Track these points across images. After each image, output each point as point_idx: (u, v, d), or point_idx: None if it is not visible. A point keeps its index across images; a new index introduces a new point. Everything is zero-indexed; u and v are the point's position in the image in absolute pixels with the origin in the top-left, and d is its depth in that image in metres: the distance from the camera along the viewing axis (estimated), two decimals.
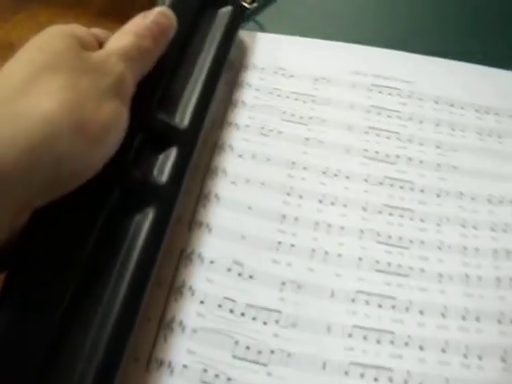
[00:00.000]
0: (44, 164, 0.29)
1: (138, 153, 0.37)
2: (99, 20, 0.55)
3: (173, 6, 0.41)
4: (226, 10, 0.48)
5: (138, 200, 0.36)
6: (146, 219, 0.35)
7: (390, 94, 0.49)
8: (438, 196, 0.44)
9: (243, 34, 0.51)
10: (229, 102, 0.47)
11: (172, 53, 0.41)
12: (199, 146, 0.41)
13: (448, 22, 0.58)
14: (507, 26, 0.58)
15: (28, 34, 0.33)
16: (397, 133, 0.47)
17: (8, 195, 0.28)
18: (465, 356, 0.37)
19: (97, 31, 0.37)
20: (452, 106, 0.49)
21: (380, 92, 0.49)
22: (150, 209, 0.36)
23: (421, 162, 0.45)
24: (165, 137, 0.39)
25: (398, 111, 0.48)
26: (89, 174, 0.32)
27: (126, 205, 0.35)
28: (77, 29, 0.35)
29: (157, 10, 0.39)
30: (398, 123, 0.48)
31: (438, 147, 0.46)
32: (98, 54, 0.34)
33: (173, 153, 0.38)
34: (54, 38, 0.33)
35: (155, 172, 0.38)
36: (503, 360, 0.37)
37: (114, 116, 0.33)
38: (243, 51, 0.51)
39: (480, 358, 0.37)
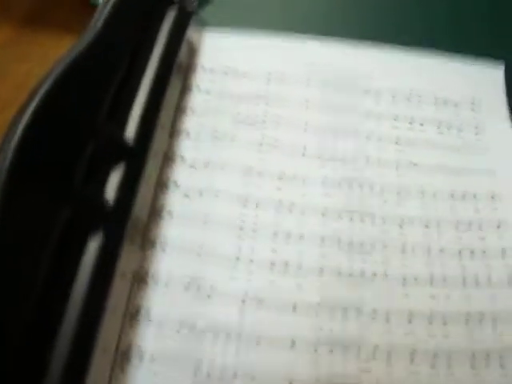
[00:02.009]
0: None
1: (88, 167, 0.36)
2: (25, 26, 0.53)
3: (117, 11, 0.40)
4: (173, 11, 0.47)
5: (88, 220, 0.35)
6: (99, 239, 0.34)
7: (345, 90, 0.49)
8: (398, 194, 0.43)
9: (190, 34, 0.50)
10: (178, 108, 0.46)
11: (120, 60, 0.40)
12: (149, 159, 0.40)
13: (404, 13, 0.57)
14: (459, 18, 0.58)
15: None
16: (354, 130, 0.46)
17: None
18: (432, 364, 0.37)
19: None
20: (409, 99, 0.49)
21: (336, 88, 0.49)
22: (101, 229, 0.35)
23: (379, 159, 0.45)
24: (115, 150, 0.38)
25: (354, 106, 0.48)
26: None
27: (77, 224, 0.34)
28: None
29: None
30: (355, 120, 0.47)
31: (396, 143, 0.46)
32: None
33: (123, 167, 0.37)
34: None
35: (106, 189, 0.37)
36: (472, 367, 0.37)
37: None
38: (191, 52, 0.50)
39: (449, 363, 0.37)
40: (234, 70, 0.49)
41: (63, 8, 0.53)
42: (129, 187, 0.37)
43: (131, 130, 0.39)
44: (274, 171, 0.44)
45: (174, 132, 0.45)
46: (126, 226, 0.36)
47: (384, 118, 0.48)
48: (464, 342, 0.38)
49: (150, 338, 0.36)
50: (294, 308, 0.38)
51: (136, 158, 0.39)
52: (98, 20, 0.40)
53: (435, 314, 0.38)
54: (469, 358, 0.37)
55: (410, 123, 0.47)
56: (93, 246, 0.34)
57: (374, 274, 0.40)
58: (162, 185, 0.42)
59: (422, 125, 0.48)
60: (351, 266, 0.40)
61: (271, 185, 0.43)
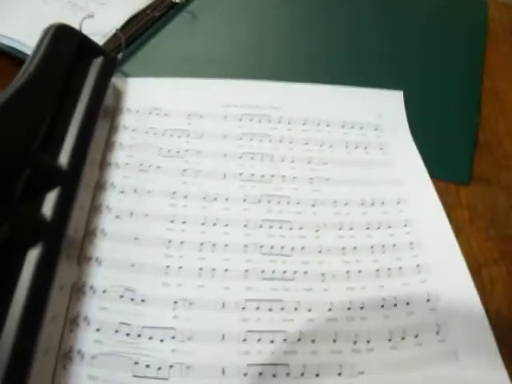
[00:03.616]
0: None
1: (25, 191, 0.40)
2: None
3: (47, 55, 0.47)
4: (99, 60, 0.53)
5: (27, 236, 0.39)
6: (36, 254, 0.38)
7: (260, 121, 0.55)
8: (314, 206, 0.49)
9: (115, 80, 0.56)
10: (107, 144, 0.51)
11: (51, 97, 0.45)
12: (81, 186, 0.44)
13: (307, 51, 0.65)
14: (359, 53, 0.66)
15: None
16: (270, 154, 0.52)
17: None
18: (354, 342, 0.41)
19: None
20: (318, 124, 0.55)
21: (251, 120, 0.55)
22: (39, 244, 0.38)
23: (294, 178, 0.51)
24: (49, 176, 0.43)
25: (269, 135, 0.54)
26: None
27: (15, 240, 0.38)
28: None
29: None
30: (270, 146, 0.53)
31: (309, 163, 0.52)
32: None
33: (58, 191, 0.42)
34: None
35: (42, 210, 0.41)
36: (389, 340, 0.41)
37: None
38: (117, 96, 0.56)
39: (368, 341, 0.41)
40: (156, 109, 0.55)
41: None
42: (63, 206, 0.42)
43: (64, 159, 0.44)
44: (198, 193, 0.49)
45: (104, 164, 0.49)
46: (63, 241, 0.40)
47: (296, 142, 0.54)
48: (381, 322, 0.42)
49: (89, 341, 0.39)
50: (223, 306, 0.42)
51: (69, 182, 0.43)
52: (29, 65, 0.46)
53: (353, 302, 0.43)
54: (386, 336, 0.41)
55: (321, 145, 0.53)
56: (31, 260, 0.38)
57: (295, 272, 0.44)
58: (95, 209, 0.46)
59: (331, 146, 0.54)
60: (273, 267, 0.44)
61: (196, 204, 0.48)
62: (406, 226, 0.48)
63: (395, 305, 0.43)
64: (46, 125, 0.45)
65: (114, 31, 0.62)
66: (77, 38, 0.52)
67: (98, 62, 0.53)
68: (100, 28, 0.60)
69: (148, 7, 0.68)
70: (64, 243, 0.41)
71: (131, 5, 0.67)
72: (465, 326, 0.42)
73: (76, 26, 0.54)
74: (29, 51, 0.56)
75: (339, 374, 0.39)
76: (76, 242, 0.44)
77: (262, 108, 0.56)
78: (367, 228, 0.48)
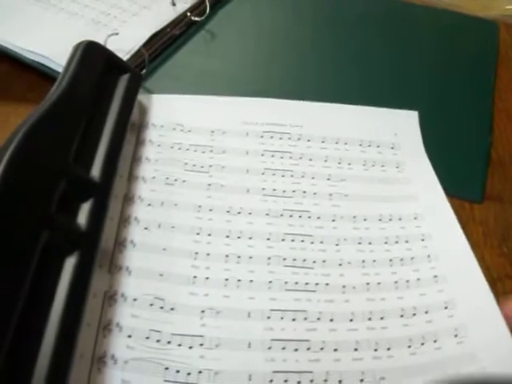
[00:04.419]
0: None
1: (61, 201, 0.42)
2: None
3: (78, 72, 0.49)
4: (126, 76, 0.56)
5: (64, 244, 0.41)
6: (73, 263, 0.40)
7: (281, 139, 0.57)
8: (334, 220, 0.51)
9: (140, 97, 0.58)
10: (134, 158, 0.54)
11: (83, 112, 0.48)
12: (112, 198, 0.47)
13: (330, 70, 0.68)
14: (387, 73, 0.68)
15: None
16: (290, 171, 0.54)
17: None
18: (375, 350, 0.43)
19: None
20: (337, 143, 0.57)
21: (271, 137, 0.57)
22: (75, 253, 0.41)
23: (314, 193, 0.53)
24: (83, 188, 0.45)
25: (289, 152, 0.56)
26: None
27: (54, 248, 0.40)
28: None
29: None
30: (291, 162, 0.55)
31: (328, 179, 0.54)
32: None
33: (91, 202, 0.44)
34: None
35: (77, 220, 0.43)
36: (409, 346, 0.43)
37: None
38: (142, 112, 0.58)
39: (388, 349, 0.43)
40: (180, 126, 0.58)
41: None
42: (97, 217, 0.44)
43: (95, 172, 0.47)
44: (223, 206, 0.51)
45: (131, 178, 0.52)
46: (97, 250, 0.43)
47: (316, 159, 0.56)
48: (400, 330, 0.44)
49: (122, 346, 0.41)
50: (249, 315, 0.44)
51: (101, 194, 0.46)
52: (62, 81, 0.48)
53: (374, 312, 0.45)
54: (406, 343, 0.43)
55: (339, 163, 0.56)
56: (68, 268, 0.40)
57: (317, 284, 0.46)
58: (124, 220, 0.48)
59: (349, 164, 0.56)
60: (296, 279, 0.46)
61: (221, 218, 0.50)
62: (423, 240, 0.50)
63: (414, 314, 0.45)
64: (78, 138, 0.47)
65: (137, 48, 0.64)
66: (105, 55, 0.55)
67: (124, 79, 0.56)
68: (123, 45, 0.63)
69: (168, 25, 0.71)
70: (98, 252, 0.43)
71: (152, 23, 0.70)
72: (483, 329, 0.44)
73: (100, 42, 0.56)
74: (55, 66, 0.60)
75: (361, 381, 0.41)
76: (107, 251, 0.46)
77: (282, 126, 0.59)
78: (385, 242, 0.50)
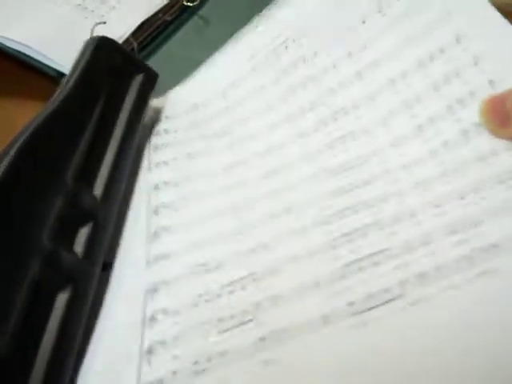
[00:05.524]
0: None
1: (57, 224, 0.39)
2: None
3: (87, 72, 0.46)
4: (140, 76, 0.52)
5: (59, 274, 0.38)
6: (65, 299, 0.38)
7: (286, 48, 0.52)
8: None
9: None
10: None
11: (89, 117, 0.45)
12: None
13: None
14: None
15: None
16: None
17: None
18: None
19: None
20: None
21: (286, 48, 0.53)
22: (68, 288, 0.38)
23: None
24: (83, 211, 0.42)
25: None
26: None
27: (46, 279, 0.37)
28: None
29: None
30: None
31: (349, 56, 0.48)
32: None
33: (91, 227, 0.41)
34: None
35: (74, 244, 0.40)
36: None
37: None
38: (156, 112, 0.55)
39: None
40: (193, 106, 0.54)
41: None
42: (94, 245, 0.41)
43: (99, 188, 0.44)
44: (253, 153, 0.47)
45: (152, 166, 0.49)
46: (92, 285, 0.40)
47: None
48: None
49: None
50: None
51: (103, 214, 0.43)
52: (69, 82, 0.45)
53: None
54: None
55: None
56: (61, 301, 0.37)
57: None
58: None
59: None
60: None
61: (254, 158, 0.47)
62: (476, 64, 0.41)
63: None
64: (81, 152, 0.44)
65: (126, 36, 0.61)
66: (118, 53, 0.51)
67: (138, 80, 0.51)
68: (111, 33, 0.57)
69: (159, 11, 0.67)
70: (93, 285, 0.40)
71: (142, 8, 0.66)
72: None
73: (87, 30, 0.52)
74: (37, 55, 0.58)
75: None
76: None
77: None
78: (434, 88, 0.42)
